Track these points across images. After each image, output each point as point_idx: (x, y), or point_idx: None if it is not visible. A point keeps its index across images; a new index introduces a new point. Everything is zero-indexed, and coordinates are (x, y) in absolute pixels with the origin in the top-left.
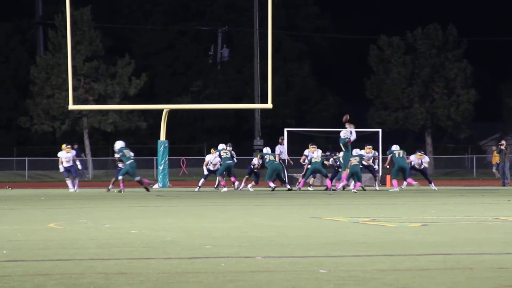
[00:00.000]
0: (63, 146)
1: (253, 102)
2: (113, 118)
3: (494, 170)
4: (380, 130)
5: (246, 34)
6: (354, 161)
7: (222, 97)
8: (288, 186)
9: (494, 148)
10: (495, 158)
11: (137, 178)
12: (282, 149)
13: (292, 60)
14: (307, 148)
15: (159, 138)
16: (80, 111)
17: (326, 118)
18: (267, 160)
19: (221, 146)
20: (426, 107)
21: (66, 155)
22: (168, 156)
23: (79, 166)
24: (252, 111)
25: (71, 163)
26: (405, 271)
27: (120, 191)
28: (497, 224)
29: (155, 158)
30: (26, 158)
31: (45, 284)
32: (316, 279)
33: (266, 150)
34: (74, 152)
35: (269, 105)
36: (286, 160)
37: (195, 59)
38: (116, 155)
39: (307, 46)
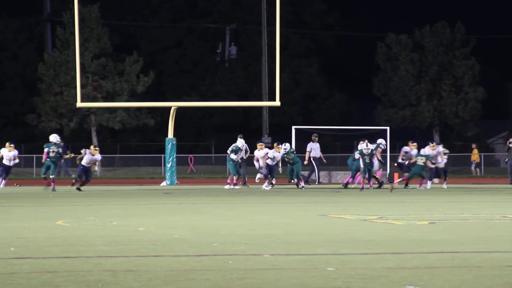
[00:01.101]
0: (7, 144)
1: (261, 100)
2: (121, 116)
3: (472, 168)
4: (388, 128)
5: (254, 32)
6: (420, 161)
7: (229, 94)
8: (302, 184)
9: (474, 146)
10: (474, 156)
11: (53, 176)
12: (313, 147)
13: (299, 57)
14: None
15: (166, 136)
16: (88, 109)
17: (334, 115)
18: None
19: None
20: (433, 105)
21: (7, 154)
22: (176, 154)
23: (11, 164)
24: (259, 108)
25: (11, 163)
26: (413, 269)
27: (53, 190)
28: (504, 222)
29: (163, 155)
30: (34, 156)
31: (52, 281)
32: (324, 277)
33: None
34: (16, 152)
35: (277, 102)
36: (319, 158)
37: (203, 57)
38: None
39: (315, 44)
